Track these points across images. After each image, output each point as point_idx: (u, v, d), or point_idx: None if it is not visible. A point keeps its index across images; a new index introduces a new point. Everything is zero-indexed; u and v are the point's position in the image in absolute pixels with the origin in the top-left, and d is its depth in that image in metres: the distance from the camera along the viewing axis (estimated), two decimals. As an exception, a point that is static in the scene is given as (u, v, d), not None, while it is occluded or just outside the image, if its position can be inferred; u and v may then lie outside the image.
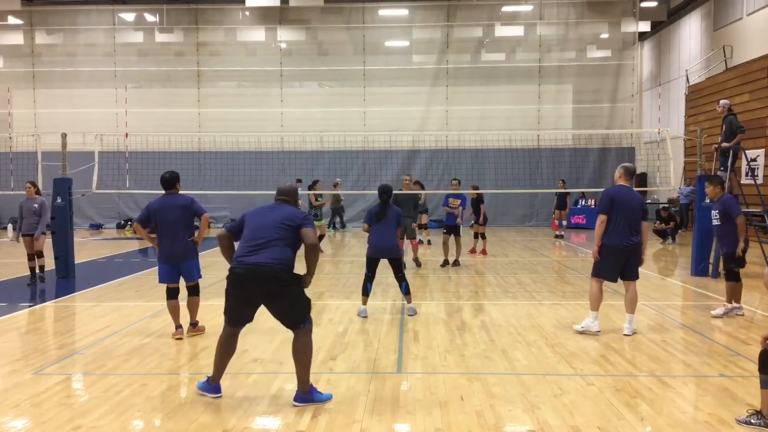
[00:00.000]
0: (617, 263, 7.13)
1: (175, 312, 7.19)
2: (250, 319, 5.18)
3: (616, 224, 7.05)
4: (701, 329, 7.67)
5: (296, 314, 5.03)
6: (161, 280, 7.15)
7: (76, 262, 12.16)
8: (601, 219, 7.14)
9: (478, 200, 15.15)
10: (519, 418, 4.81)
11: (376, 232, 8.24)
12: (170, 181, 7.05)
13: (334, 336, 7.33)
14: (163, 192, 7.10)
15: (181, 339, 7.09)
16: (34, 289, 10.97)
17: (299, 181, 21.83)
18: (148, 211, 7.02)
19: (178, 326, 7.21)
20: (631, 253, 7.11)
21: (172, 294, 7.17)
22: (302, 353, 5.02)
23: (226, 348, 5.19)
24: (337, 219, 22.94)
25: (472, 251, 15.43)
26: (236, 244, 5.22)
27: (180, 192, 7.15)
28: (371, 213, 8.34)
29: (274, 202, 5.32)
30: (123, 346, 6.92)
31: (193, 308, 7.30)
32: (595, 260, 7.25)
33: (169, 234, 6.97)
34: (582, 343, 6.96)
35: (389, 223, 8.22)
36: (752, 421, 4.45)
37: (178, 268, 7.12)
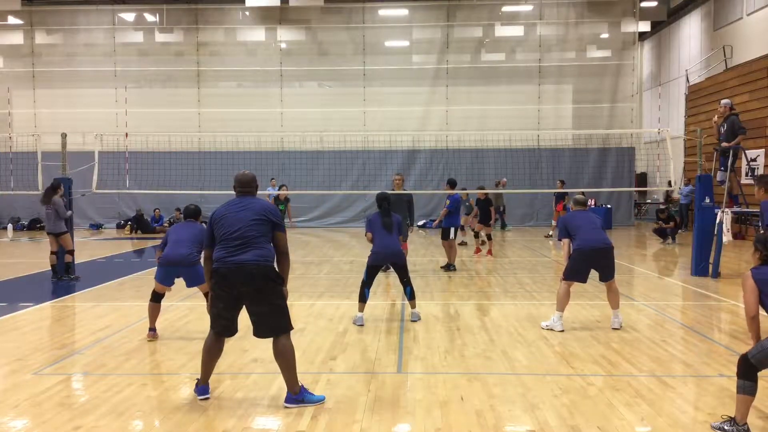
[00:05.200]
0: (587, 265, 7.55)
1: (155, 314, 7.31)
2: (235, 329, 5.16)
3: (580, 234, 7.53)
4: (701, 329, 7.68)
5: (278, 319, 5.00)
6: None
7: (76, 262, 12.15)
8: (564, 242, 7.71)
9: (486, 201, 15.06)
10: (519, 418, 4.81)
11: (380, 239, 8.04)
12: (195, 213, 7.51)
13: (334, 336, 7.33)
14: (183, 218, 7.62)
15: (152, 341, 7.13)
16: (33, 288, 10.98)
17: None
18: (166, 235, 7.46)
19: (152, 329, 7.27)
20: (602, 255, 7.50)
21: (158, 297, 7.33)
22: (284, 356, 5.00)
23: (213, 352, 5.19)
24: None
25: (478, 251, 15.34)
26: None
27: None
28: (372, 221, 8.18)
29: (237, 196, 5.24)
30: (123, 346, 6.93)
31: None
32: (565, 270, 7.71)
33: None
34: (582, 343, 6.96)
35: (393, 231, 8.06)
36: (726, 427, 4.41)
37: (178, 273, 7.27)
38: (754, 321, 4.51)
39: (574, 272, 7.57)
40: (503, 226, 22.57)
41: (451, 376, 5.82)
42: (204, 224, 7.09)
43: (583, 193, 10.76)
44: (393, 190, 12.10)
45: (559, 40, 25.27)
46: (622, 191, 23.69)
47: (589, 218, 7.68)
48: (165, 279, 7.19)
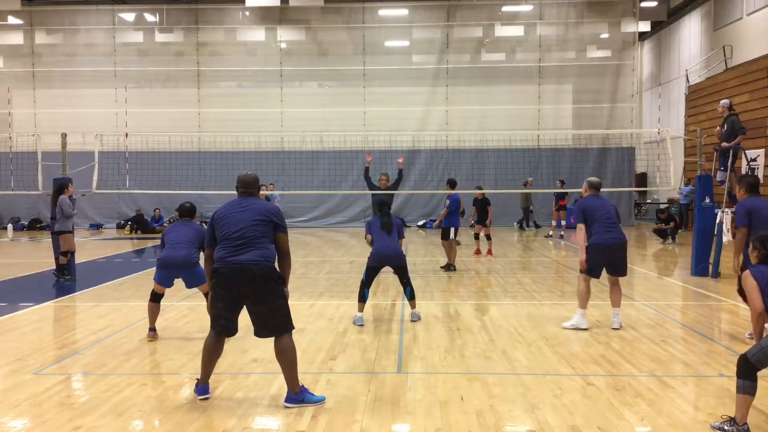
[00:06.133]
0: (602, 260, 7.50)
1: (155, 314, 7.32)
2: (235, 329, 5.16)
3: (597, 227, 7.47)
4: (701, 329, 7.68)
5: (279, 319, 5.00)
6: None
7: (76, 262, 12.14)
8: (579, 228, 7.58)
9: (484, 201, 14.99)
10: (519, 418, 4.81)
11: (380, 242, 8.05)
12: (190, 211, 7.54)
13: (334, 336, 7.33)
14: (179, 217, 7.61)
15: (152, 341, 7.13)
16: (33, 288, 10.99)
17: None
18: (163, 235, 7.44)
19: (152, 329, 7.26)
20: (616, 250, 7.46)
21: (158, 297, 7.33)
22: (285, 356, 5.00)
23: (213, 352, 5.19)
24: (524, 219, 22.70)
25: (477, 252, 15.29)
26: None
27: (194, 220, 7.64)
28: (371, 224, 8.22)
29: (239, 196, 5.26)
30: (123, 346, 6.93)
31: None
32: (582, 266, 7.58)
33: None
34: (582, 343, 6.96)
35: (392, 233, 8.10)
36: (726, 427, 4.41)
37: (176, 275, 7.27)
38: (760, 317, 4.48)
39: (591, 267, 7.49)
40: (530, 226, 22.61)
41: (451, 376, 5.82)
42: (201, 223, 7.08)
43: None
44: (380, 189, 12.37)
45: (559, 40, 25.27)
46: (622, 191, 23.69)
47: (605, 211, 7.53)
48: (164, 280, 7.18)
